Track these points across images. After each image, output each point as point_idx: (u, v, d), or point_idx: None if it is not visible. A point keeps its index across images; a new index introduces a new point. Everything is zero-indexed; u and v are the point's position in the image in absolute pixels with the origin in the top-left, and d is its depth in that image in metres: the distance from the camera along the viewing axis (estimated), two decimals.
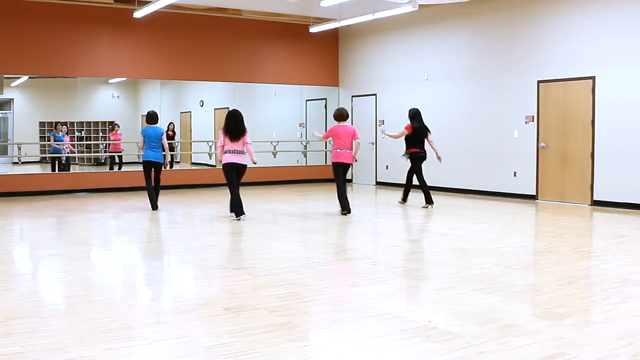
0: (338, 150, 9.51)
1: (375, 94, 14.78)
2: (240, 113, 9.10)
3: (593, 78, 10.42)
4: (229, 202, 9.29)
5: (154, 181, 10.22)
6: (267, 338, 3.78)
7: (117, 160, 15.52)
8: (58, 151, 14.32)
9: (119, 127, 15.32)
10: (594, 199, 10.46)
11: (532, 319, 4.23)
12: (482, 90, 12.31)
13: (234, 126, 8.89)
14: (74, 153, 15.21)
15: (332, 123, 9.76)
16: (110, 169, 15.30)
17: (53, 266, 6.15)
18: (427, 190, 10.51)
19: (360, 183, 15.20)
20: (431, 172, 13.10)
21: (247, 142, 8.96)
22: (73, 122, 15.58)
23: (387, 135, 11.13)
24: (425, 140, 10.54)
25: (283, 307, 4.42)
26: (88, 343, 3.70)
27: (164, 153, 10.15)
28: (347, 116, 9.75)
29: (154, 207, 10.19)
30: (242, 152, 8.96)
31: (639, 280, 5.36)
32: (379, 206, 11.62)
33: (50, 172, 14.15)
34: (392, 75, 14.29)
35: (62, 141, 14.25)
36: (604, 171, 10.33)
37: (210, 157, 15.98)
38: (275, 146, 14.93)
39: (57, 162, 14.29)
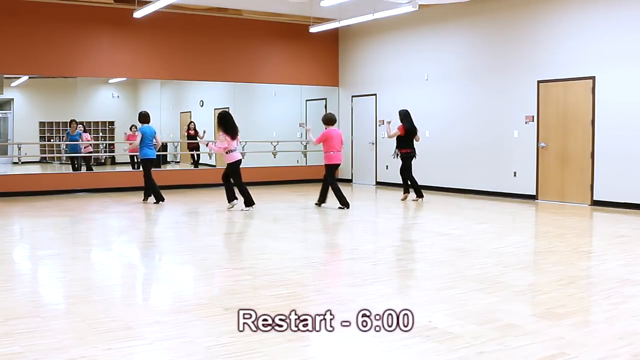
0: (332, 152, 10.07)
1: (375, 94, 14.78)
2: (230, 114, 10.06)
3: (593, 78, 10.41)
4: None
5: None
6: (267, 338, 3.78)
7: (137, 160, 15.55)
8: (74, 150, 14.34)
9: (137, 129, 15.27)
10: (594, 199, 10.46)
11: (532, 319, 4.23)
12: (482, 90, 12.31)
13: (233, 125, 9.76)
14: (91, 153, 15.21)
15: (329, 128, 10.04)
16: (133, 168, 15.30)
17: (53, 266, 6.15)
18: (417, 187, 11.24)
19: (360, 183, 15.20)
20: (431, 172, 13.13)
21: (239, 140, 9.96)
22: (83, 122, 15.56)
23: (387, 129, 11.58)
24: (414, 139, 11.27)
25: (283, 307, 4.42)
26: (88, 343, 3.70)
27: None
28: (336, 120, 10.49)
29: (162, 198, 10.86)
30: (237, 150, 9.91)
31: (639, 280, 5.36)
32: (379, 206, 11.62)
33: (72, 171, 14.15)
34: (392, 75, 14.29)
35: (77, 140, 14.27)
36: (604, 171, 10.33)
37: (210, 157, 15.99)
38: (275, 146, 14.93)
39: (75, 161, 14.30)
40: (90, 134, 15.23)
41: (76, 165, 14.40)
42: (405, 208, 10.56)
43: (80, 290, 5.14)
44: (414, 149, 11.23)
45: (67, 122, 14.85)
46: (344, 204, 10.00)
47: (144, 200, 11.06)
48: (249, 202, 9.88)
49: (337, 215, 9.60)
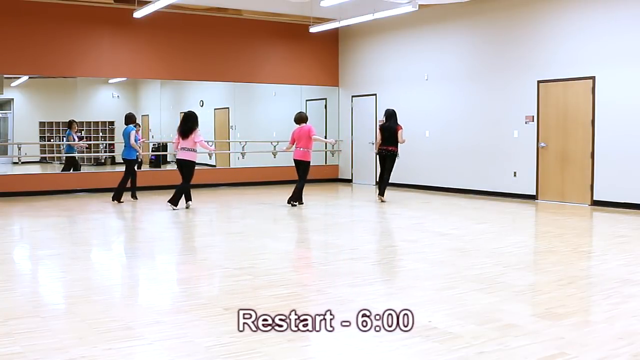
0: (297, 149, 10.59)
1: (375, 94, 14.78)
2: (191, 114, 10.15)
3: (593, 78, 10.41)
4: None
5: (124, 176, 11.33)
6: (267, 338, 3.78)
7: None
8: (73, 150, 14.32)
9: (139, 126, 15.27)
10: (594, 199, 10.46)
11: (532, 319, 4.23)
12: (482, 90, 12.31)
13: (183, 126, 10.00)
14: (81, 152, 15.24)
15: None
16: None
17: (53, 266, 6.15)
18: (384, 185, 11.38)
19: (360, 183, 15.19)
20: (431, 172, 13.13)
21: (196, 140, 9.97)
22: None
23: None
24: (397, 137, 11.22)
25: (283, 307, 4.42)
26: (88, 343, 3.70)
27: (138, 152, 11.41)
28: (306, 119, 10.79)
29: (117, 199, 11.17)
30: (190, 150, 9.98)
31: (639, 280, 5.36)
32: (378, 206, 11.62)
33: (71, 171, 14.12)
34: (392, 75, 14.29)
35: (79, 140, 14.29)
36: (604, 171, 10.33)
37: (210, 157, 15.98)
38: (275, 146, 14.93)
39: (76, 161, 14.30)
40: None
41: (78, 166, 14.38)
42: (405, 208, 10.55)
43: (80, 290, 5.14)
44: (385, 148, 11.16)
45: (67, 122, 14.82)
46: (293, 199, 10.54)
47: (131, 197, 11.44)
48: (174, 201, 10.11)
49: (337, 215, 9.60)
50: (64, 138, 14.76)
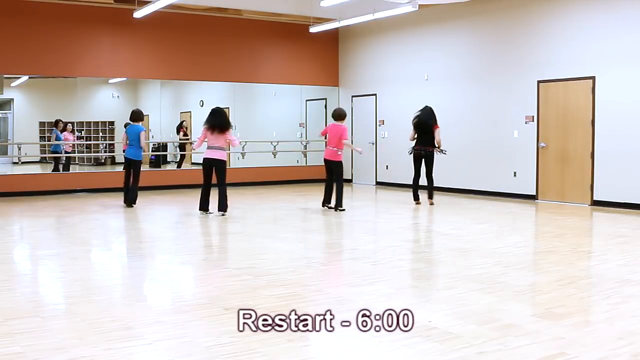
0: (326, 148, 9.99)
1: (375, 94, 14.78)
2: (222, 110, 9.64)
3: (593, 78, 10.41)
4: (227, 202, 9.46)
5: (132, 178, 10.37)
6: (267, 338, 3.78)
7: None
8: (59, 150, 14.33)
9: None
10: (594, 199, 10.46)
11: (532, 319, 4.23)
12: (482, 90, 12.31)
13: (219, 120, 9.33)
14: (73, 152, 15.25)
15: (331, 123, 10.01)
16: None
17: (53, 266, 6.15)
18: (429, 188, 10.78)
19: (360, 183, 15.19)
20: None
21: (232, 138, 9.40)
22: (73, 122, 15.59)
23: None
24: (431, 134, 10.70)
25: (283, 307, 4.42)
26: (88, 343, 3.71)
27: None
28: (345, 116, 10.03)
29: (125, 202, 10.45)
30: (221, 149, 9.28)
31: (639, 280, 5.36)
32: (379, 206, 11.62)
33: (53, 172, 14.10)
34: (392, 75, 14.29)
35: (60, 140, 14.26)
36: (604, 171, 10.33)
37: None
38: (275, 146, 14.93)
39: (59, 162, 14.28)
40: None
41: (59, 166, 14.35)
42: (405, 208, 10.55)
43: (80, 290, 5.14)
44: (420, 146, 10.67)
45: (67, 122, 14.84)
46: (336, 204, 9.78)
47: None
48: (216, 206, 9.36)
49: (336, 215, 9.60)
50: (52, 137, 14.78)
